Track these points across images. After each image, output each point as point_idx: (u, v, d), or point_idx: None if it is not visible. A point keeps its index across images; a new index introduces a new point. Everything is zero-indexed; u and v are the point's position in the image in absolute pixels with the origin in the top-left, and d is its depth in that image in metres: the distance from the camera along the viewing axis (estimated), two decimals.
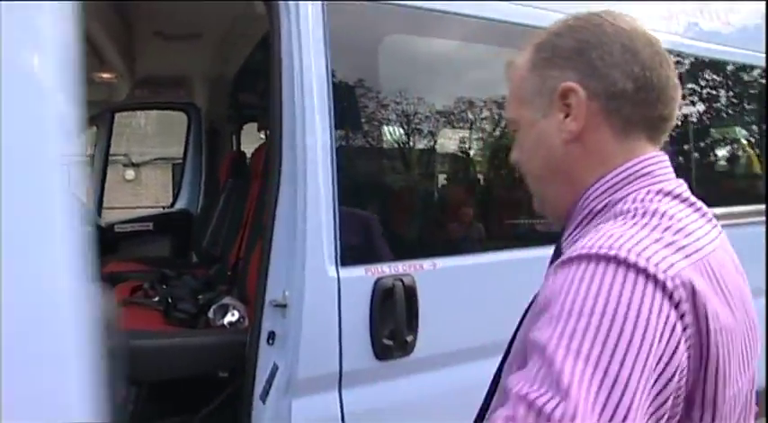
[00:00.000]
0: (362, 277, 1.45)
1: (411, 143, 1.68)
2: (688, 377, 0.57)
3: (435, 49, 1.64)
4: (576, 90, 0.66)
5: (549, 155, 0.70)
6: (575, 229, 0.68)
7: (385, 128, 1.60)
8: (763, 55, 2.28)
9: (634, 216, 0.61)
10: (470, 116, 1.70)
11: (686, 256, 0.57)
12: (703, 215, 0.65)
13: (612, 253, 0.55)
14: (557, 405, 0.49)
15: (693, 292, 0.55)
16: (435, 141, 1.70)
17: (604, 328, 0.52)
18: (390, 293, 1.44)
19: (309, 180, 1.38)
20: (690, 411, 0.59)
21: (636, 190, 0.65)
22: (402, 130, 1.63)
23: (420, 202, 1.72)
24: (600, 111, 0.66)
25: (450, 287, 1.56)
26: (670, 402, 0.55)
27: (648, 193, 0.64)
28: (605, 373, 0.51)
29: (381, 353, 1.46)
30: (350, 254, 1.45)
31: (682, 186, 0.67)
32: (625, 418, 0.51)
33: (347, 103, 1.47)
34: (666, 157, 0.69)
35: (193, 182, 3.68)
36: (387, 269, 1.47)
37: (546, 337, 0.54)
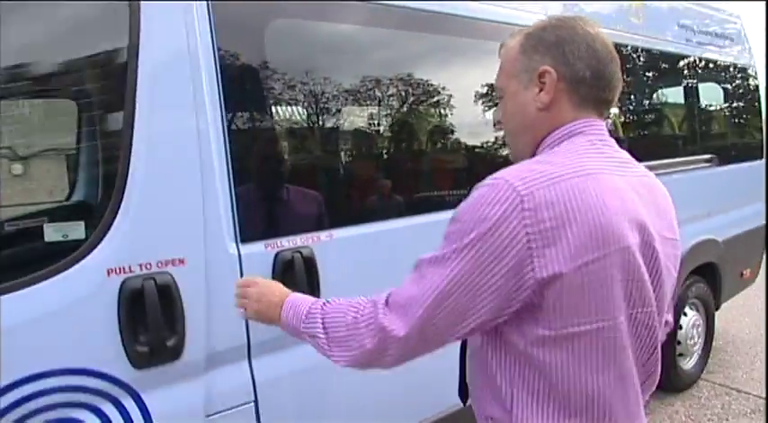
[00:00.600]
0: (263, 252, 1.53)
1: (302, 121, 1.77)
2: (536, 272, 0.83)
3: (321, 31, 1.72)
4: (550, 72, 0.93)
5: (524, 118, 0.98)
6: None
7: (276, 108, 1.66)
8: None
9: (542, 156, 0.94)
10: (358, 93, 1.81)
11: (548, 179, 0.85)
12: (609, 157, 0.93)
13: (509, 179, 0.85)
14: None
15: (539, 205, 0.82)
16: (326, 118, 1.80)
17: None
18: (291, 265, 1.53)
19: (205, 162, 1.43)
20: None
21: (556, 142, 0.94)
22: (294, 109, 1.71)
23: (315, 176, 1.80)
24: (565, 89, 0.94)
25: (348, 255, 1.67)
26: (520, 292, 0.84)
27: (560, 143, 0.94)
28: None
29: None
30: (249, 231, 1.51)
31: (602, 141, 0.94)
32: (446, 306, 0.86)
33: (237, 86, 1.52)
34: (602, 123, 0.97)
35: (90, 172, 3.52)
36: (286, 243, 1.56)
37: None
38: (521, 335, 0.88)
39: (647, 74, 3.15)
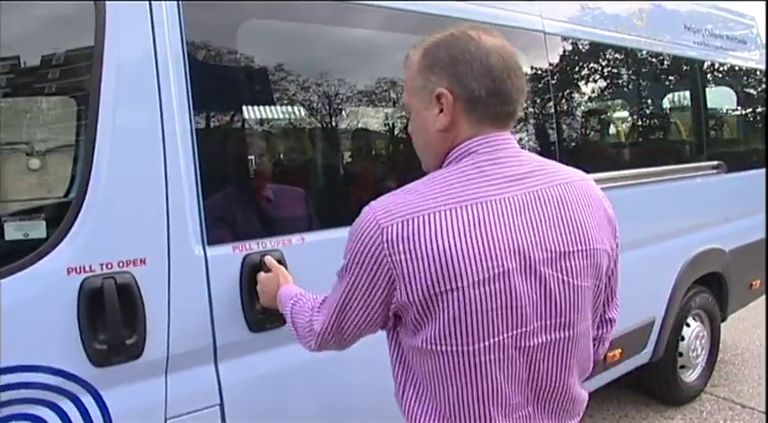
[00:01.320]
0: (230, 255, 1.52)
1: (273, 123, 1.75)
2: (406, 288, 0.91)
3: (292, 31, 1.71)
4: (446, 94, 0.94)
5: (427, 136, 1.00)
6: None
7: (246, 108, 1.66)
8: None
9: (426, 178, 0.98)
10: (328, 94, 1.79)
11: (412, 210, 0.90)
12: (494, 178, 0.93)
13: (373, 204, 0.95)
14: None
15: (394, 239, 0.90)
16: (297, 120, 1.78)
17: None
18: (259, 269, 1.51)
19: (170, 163, 1.42)
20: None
21: (455, 163, 0.96)
22: (264, 110, 1.69)
23: (286, 179, 1.78)
24: (462, 110, 0.95)
25: (320, 259, 1.62)
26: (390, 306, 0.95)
27: (453, 164, 0.96)
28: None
29: (255, 325, 1.55)
30: (216, 233, 1.51)
31: (492, 160, 0.94)
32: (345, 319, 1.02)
33: (206, 87, 1.51)
34: (502, 136, 0.97)
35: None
36: (255, 246, 1.55)
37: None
38: (405, 339, 0.98)
39: (650, 77, 3.08)
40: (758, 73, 3.83)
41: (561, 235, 0.94)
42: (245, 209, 1.63)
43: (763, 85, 3.87)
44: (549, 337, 0.95)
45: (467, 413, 0.95)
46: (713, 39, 3.36)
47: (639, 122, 3.15)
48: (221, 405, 1.52)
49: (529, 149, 1.98)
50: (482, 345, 0.91)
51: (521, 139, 2.19)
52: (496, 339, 0.92)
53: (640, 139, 3.19)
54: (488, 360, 0.92)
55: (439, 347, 0.92)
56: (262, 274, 1.46)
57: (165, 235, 1.41)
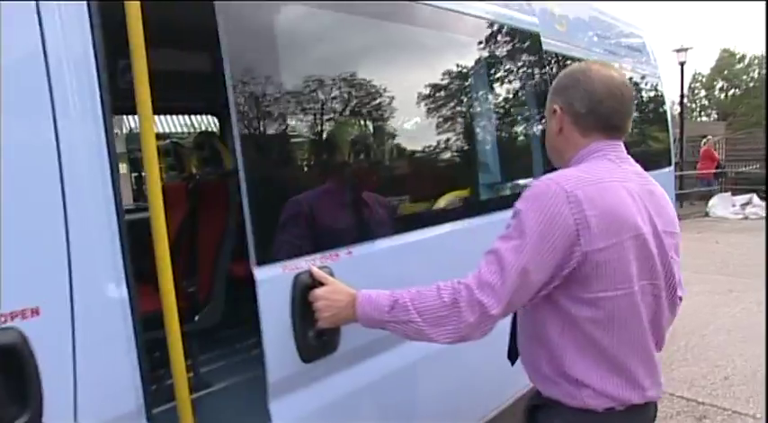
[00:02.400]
0: (280, 275, 1.37)
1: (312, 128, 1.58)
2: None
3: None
4: (556, 109, 1.33)
5: (551, 141, 1.38)
6: None
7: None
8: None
9: (572, 167, 1.28)
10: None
11: (583, 182, 1.18)
12: (625, 170, 1.27)
13: (556, 180, 1.19)
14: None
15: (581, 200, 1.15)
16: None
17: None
18: (311, 288, 1.37)
19: (72, 183, 1.10)
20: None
21: (585, 160, 1.28)
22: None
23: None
24: (570, 121, 1.31)
25: (366, 272, 1.54)
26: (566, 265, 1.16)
27: (588, 159, 1.27)
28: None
29: (307, 354, 1.40)
30: (265, 253, 1.36)
31: (619, 158, 1.29)
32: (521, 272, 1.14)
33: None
34: (612, 143, 1.30)
35: None
36: (304, 264, 1.41)
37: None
38: (569, 299, 1.18)
39: None
40: (648, 79, 4.14)
41: (660, 217, 1.25)
42: (293, 225, 1.47)
43: (655, 91, 4.18)
44: (663, 295, 1.26)
45: (623, 358, 1.21)
46: (617, 47, 3.55)
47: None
48: None
49: (456, 144, 2.12)
50: (636, 287, 1.19)
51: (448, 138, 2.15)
52: (642, 283, 1.21)
53: None
54: (641, 301, 1.21)
55: (611, 293, 1.17)
56: (318, 291, 1.35)
57: (65, 274, 1.07)
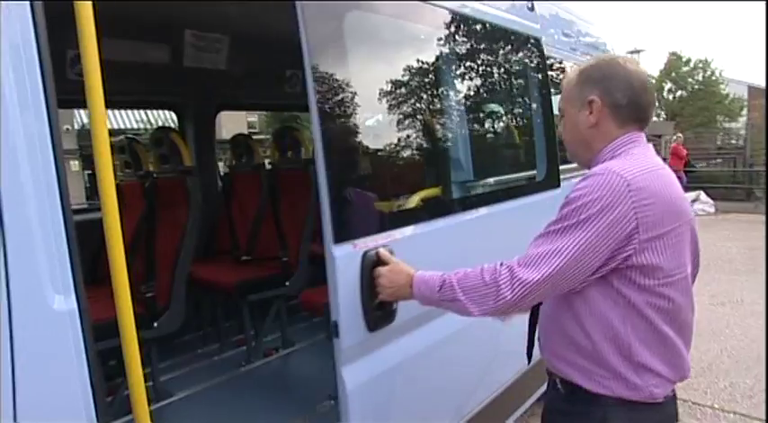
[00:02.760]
0: (351, 252, 1.53)
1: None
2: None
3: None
4: (596, 100, 1.29)
5: (578, 133, 1.34)
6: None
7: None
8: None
9: (624, 156, 1.26)
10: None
11: (638, 171, 1.19)
12: (655, 156, 1.30)
13: (616, 170, 1.18)
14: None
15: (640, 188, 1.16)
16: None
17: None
18: (376, 265, 1.53)
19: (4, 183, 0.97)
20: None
21: (622, 150, 1.27)
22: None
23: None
24: (608, 113, 1.29)
25: (418, 251, 1.70)
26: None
27: (626, 150, 1.27)
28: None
29: (372, 324, 1.57)
30: (340, 234, 1.51)
31: (647, 146, 1.31)
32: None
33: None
34: (641, 134, 1.31)
35: None
36: (371, 243, 1.57)
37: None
38: (631, 287, 1.20)
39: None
40: None
41: (686, 203, 1.29)
42: (362, 210, 1.68)
43: None
44: (691, 277, 1.33)
45: (678, 341, 1.26)
46: (579, 45, 3.58)
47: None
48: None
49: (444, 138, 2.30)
50: (688, 270, 1.28)
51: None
52: (690, 266, 1.29)
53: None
54: (689, 287, 1.29)
55: (671, 278, 1.21)
56: (381, 269, 1.49)
57: (1, 284, 0.95)
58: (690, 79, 31.74)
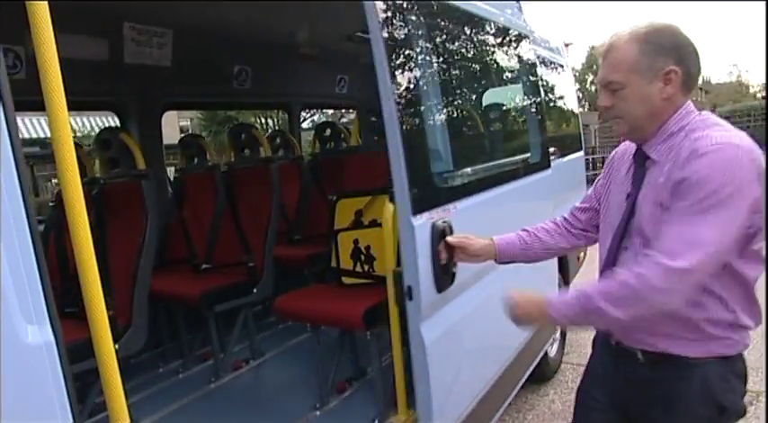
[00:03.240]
0: (424, 222, 1.73)
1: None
2: None
3: None
4: (676, 71, 1.24)
5: (651, 105, 1.27)
6: (659, 143, 1.29)
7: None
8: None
9: (712, 126, 1.24)
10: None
11: (742, 138, 1.20)
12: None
13: (734, 141, 1.18)
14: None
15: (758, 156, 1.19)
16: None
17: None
18: (443, 234, 1.73)
19: None
20: None
21: (691, 119, 1.27)
22: None
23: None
24: (682, 83, 1.26)
25: (467, 222, 1.88)
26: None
27: (699, 118, 1.28)
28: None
29: (440, 285, 1.79)
30: (417, 206, 1.72)
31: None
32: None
33: None
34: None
35: None
36: (436, 214, 1.78)
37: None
38: (745, 253, 1.23)
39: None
40: (560, 69, 4.29)
41: None
42: (430, 185, 1.89)
43: (566, 77, 4.34)
44: None
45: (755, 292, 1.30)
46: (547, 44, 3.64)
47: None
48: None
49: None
50: None
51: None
52: None
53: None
54: None
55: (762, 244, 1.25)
56: (518, 299, 1.44)
57: None
58: None
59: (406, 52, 1.86)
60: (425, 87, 1.98)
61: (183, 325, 3.07)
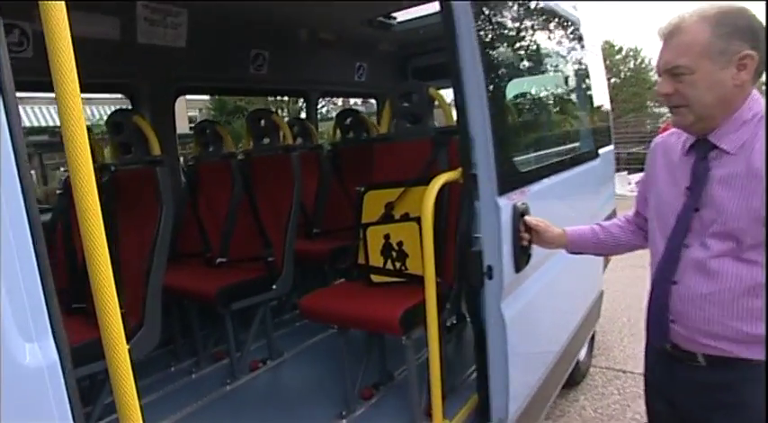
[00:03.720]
0: (507, 204, 1.81)
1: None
2: None
3: None
4: (753, 56, 1.17)
5: (722, 93, 1.20)
6: (730, 132, 1.22)
7: None
8: None
9: None
10: None
11: None
12: None
13: None
14: None
15: None
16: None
17: None
18: (521, 215, 1.80)
19: None
20: None
21: (760, 105, 1.23)
22: None
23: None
24: (755, 69, 1.19)
25: (538, 205, 1.93)
26: None
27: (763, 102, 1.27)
28: None
29: (517, 266, 1.87)
30: (501, 188, 1.82)
31: None
32: None
33: None
34: None
35: None
36: (516, 196, 1.86)
37: None
38: None
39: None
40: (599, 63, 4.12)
41: None
42: (511, 169, 1.98)
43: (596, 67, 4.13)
44: None
45: None
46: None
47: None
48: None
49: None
50: None
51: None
52: None
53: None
54: None
55: None
56: None
57: None
58: (622, 67, 33.16)
59: (492, 47, 2.00)
60: (506, 79, 2.07)
61: (196, 321, 2.91)
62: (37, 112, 14.85)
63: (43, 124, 14.08)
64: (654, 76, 30.49)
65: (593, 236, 1.62)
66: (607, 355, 3.96)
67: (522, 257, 1.85)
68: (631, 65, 32.47)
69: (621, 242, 1.59)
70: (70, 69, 0.80)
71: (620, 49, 33.30)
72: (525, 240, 1.77)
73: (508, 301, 1.88)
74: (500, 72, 2.04)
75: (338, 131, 3.94)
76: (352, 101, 11.35)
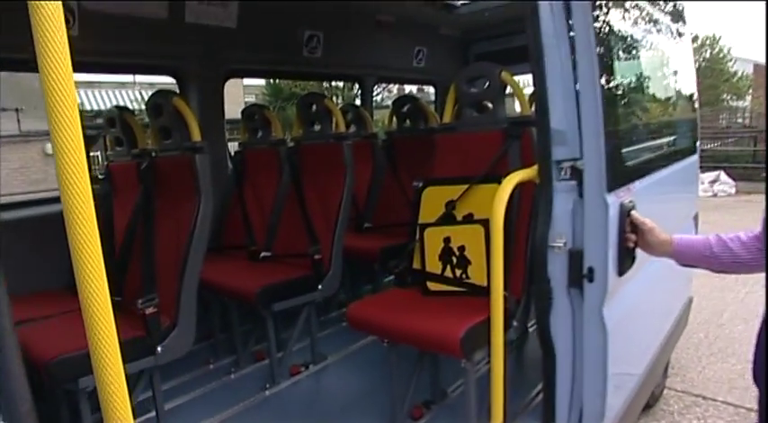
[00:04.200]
0: (615, 201, 1.67)
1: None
2: None
3: None
4: None
5: None
6: None
7: None
8: None
9: None
10: None
11: None
12: None
13: None
14: None
15: None
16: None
17: None
18: (628, 213, 1.65)
19: None
20: None
21: None
22: None
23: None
24: None
25: (642, 202, 1.76)
26: None
27: None
28: None
29: (621, 270, 1.71)
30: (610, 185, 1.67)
31: None
32: None
33: None
34: None
35: None
36: (623, 193, 1.72)
37: None
38: None
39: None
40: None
41: None
42: (620, 166, 1.83)
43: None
44: None
45: None
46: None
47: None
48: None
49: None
50: None
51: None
52: None
53: None
54: None
55: None
56: None
57: None
58: (696, 57, 31.11)
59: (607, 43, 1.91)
60: (616, 73, 1.99)
61: (236, 317, 2.75)
62: (97, 96, 15.46)
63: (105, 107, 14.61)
64: (732, 67, 28.46)
65: (706, 248, 1.43)
66: (683, 376, 3.54)
67: (626, 260, 1.68)
68: (707, 55, 30.37)
69: (742, 260, 1.39)
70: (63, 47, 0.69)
71: (696, 38, 31.25)
72: (632, 241, 1.61)
73: (610, 307, 1.71)
74: (613, 55, 1.89)
75: (394, 119, 3.69)
76: (407, 88, 11.07)
